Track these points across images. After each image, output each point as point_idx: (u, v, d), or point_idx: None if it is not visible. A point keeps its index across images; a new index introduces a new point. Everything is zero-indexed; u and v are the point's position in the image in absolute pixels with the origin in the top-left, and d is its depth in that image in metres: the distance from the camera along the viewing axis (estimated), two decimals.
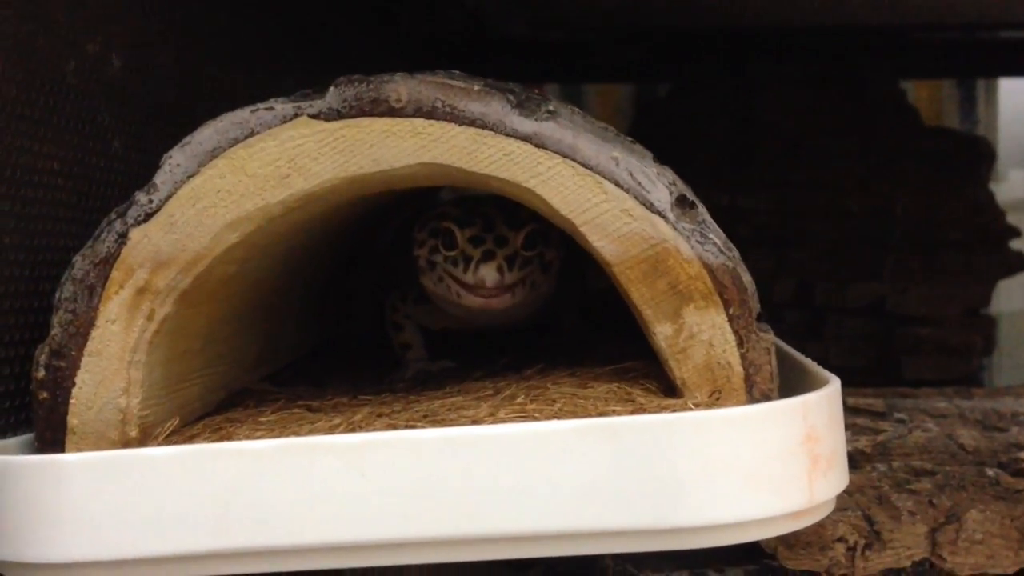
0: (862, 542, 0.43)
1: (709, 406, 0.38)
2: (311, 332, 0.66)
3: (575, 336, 0.62)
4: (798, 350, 0.46)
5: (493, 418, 0.38)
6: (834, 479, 0.37)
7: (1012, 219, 1.10)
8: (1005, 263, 1.06)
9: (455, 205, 0.52)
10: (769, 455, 0.35)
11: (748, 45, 1.07)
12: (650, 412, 0.38)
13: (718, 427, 0.35)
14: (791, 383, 0.42)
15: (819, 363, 0.43)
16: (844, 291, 1.00)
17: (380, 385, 0.54)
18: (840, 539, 0.43)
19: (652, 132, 0.99)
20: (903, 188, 1.05)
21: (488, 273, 0.48)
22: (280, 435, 0.40)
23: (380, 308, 0.64)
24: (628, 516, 0.35)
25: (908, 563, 0.44)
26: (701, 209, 0.43)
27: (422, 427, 0.38)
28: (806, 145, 1.05)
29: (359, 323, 0.74)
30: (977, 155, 1.09)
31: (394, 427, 0.39)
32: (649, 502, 0.35)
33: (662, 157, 0.44)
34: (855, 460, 0.51)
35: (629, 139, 0.44)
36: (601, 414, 0.38)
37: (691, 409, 0.38)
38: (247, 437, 0.41)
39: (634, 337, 0.51)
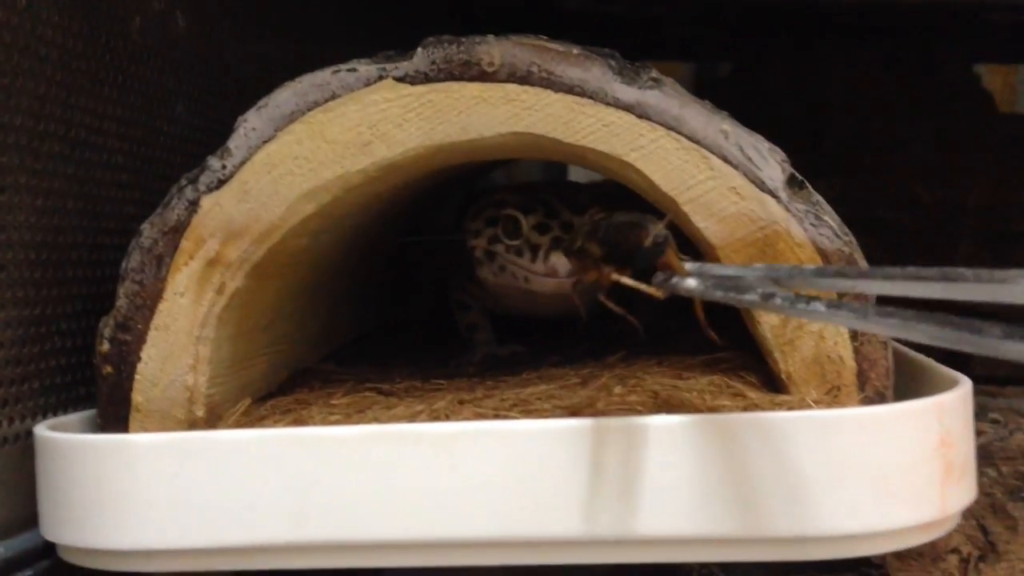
0: (976, 553, 0.40)
1: (828, 405, 0.35)
2: (370, 312, 0.64)
3: (651, 324, 0.59)
4: None
5: (593, 409, 0.35)
6: (965, 488, 0.34)
7: None
8: None
9: (511, 192, 0.50)
10: (902, 460, 0.32)
11: (817, 24, 1.03)
12: (765, 409, 0.35)
13: (848, 428, 0.32)
14: (906, 384, 0.39)
15: None
16: None
17: (447, 368, 0.51)
18: (954, 550, 0.40)
19: None
20: (975, 177, 1.01)
21: (560, 261, 0.45)
22: (357, 420, 0.38)
23: (441, 290, 0.61)
24: (747, 523, 0.32)
25: None
26: (812, 190, 0.40)
27: (515, 417, 0.36)
28: (876, 130, 1.01)
29: (417, 306, 0.71)
30: None
31: (482, 416, 0.37)
32: (770, 508, 0.32)
33: None
34: None
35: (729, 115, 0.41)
36: (711, 409, 0.35)
37: (809, 407, 0.35)
38: (321, 421, 0.39)
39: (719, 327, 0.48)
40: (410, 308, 0.71)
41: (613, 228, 0.36)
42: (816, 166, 1.02)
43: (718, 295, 0.31)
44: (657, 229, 0.33)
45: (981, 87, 1.09)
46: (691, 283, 0.32)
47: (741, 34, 1.08)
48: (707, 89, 1.17)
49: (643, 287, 0.33)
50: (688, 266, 0.33)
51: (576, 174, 1.07)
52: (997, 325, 0.23)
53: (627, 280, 0.33)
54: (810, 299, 0.28)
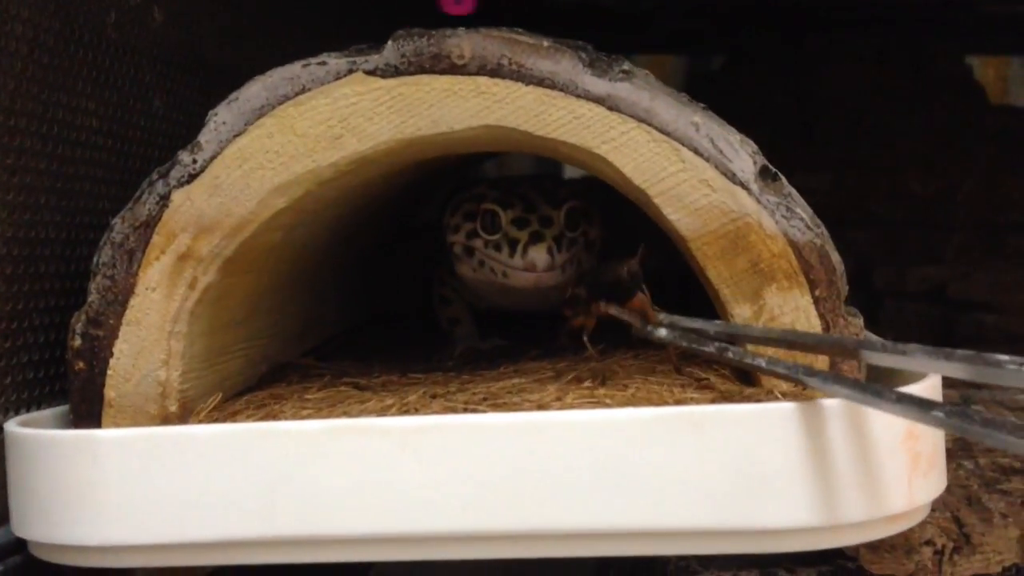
0: (950, 545, 0.40)
1: (795, 396, 0.35)
2: (355, 307, 0.64)
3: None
4: None
5: (561, 403, 0.35)
6: (933, 480, 0.34)
7: None
8: None
9: (490, 187, 0.50)
10: (868, 452, 0.32)
11: (808, 17, 1.03)
12: (733, 401, 0.35)
13: (812, 420, 0.32)
14: (880, 377, 0.39)
15: None
16: (904, 275, 0.96)
17: (428, 363, 0.51)
18: (928, 542, 0.40)
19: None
20: (967, 168, 1.00)
21: (539, 256, 0.45)
22: (328, 414, 0.38)
23: (426, 283, 0.61)
24: (711, 515, 0.32)
25: (998, 568, 0.41)
26: (785, 181, 0.40)
27: (483, 411, 0.36)
28: (867, 123, 1.01)
29: (405, 300, 0.71)
30: None
31: (452, 410, 0.36)
32: (734, 501, 0.31)
33: None
34: None
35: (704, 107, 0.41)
36: (679, 402, 0.35)
37: (777, 399, 0.34)
38: (293, 415, 0.39)
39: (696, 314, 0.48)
40: (400, 302, 0.71)
41: (598, 271, 0.43)
42: (808, 159, 1.02)
43: (684, 344, 0.38)
44: (631, 264, 0.40)
45: (973, 79, 1.08)
46: (663, 332, 0.39)
47: (733, 27, 1.07)
48: (699, 82, 1.16)
49: (626, 316, 0.40)
50: (661, 316, 0.39)
51: (571, 169, 1.07)
52: (893, 392, 0.29)
53: (613, 310, 0.40)
54: (755, 355, 0.35)
